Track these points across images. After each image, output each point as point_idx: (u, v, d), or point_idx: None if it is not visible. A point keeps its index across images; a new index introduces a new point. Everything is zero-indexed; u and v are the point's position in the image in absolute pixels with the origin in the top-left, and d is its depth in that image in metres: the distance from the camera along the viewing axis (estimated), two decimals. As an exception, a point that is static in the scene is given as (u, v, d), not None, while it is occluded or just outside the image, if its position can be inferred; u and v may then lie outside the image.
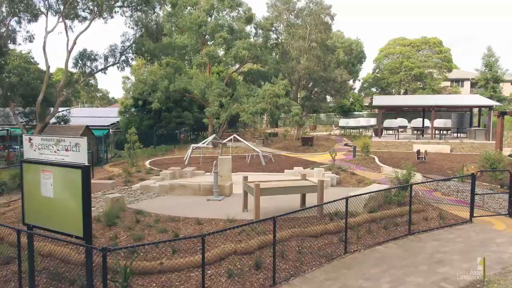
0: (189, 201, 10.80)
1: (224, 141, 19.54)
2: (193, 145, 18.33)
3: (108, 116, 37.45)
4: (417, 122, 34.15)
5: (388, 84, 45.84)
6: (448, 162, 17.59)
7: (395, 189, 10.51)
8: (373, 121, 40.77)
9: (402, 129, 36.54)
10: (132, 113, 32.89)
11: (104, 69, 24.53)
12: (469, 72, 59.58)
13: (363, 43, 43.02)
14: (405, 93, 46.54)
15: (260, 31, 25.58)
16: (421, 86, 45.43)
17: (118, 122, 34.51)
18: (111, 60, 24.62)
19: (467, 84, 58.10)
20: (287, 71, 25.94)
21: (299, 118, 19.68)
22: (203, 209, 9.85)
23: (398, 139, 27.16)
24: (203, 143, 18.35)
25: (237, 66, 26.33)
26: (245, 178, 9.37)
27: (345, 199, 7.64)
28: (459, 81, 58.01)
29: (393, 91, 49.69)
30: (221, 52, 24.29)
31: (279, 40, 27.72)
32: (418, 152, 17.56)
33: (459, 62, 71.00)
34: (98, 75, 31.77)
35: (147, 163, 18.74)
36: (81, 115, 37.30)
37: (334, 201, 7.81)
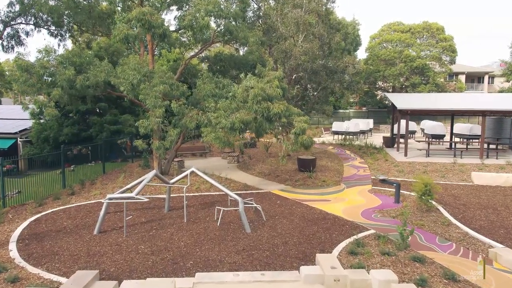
0: None
1: (173, 180, 10.58)
2: (109, 196, 9.24)
3: (21, 118, 27.06)
4: (433, 126, 26.44)
5: (384, 77, 38.25)
6: None
7: None
8: (371, 123, 33.10)
9: (409, 135, 29.14)
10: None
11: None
12: (463, 65, 53.68)
13: (360, 26, 34.92)
14: (402, 88, 39.26)
15: (234, -4, 16.55)
16: (422, 80, 38.24)
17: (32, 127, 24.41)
18: (-13, 33, 14.83)
19: (462, 78, 52.20)
20: (275, 58, 17.18)
21: (309, 139, 11.01)
22: None
23: (428, 156, 19.30)
24: (130, 189, 9.31)
25: (200, 48, 17.11)
26: None
27: None
28: (453, 75, 51.88)
29: (384, 85, 42.32)
30: (167, 18, 15.00)
31: (261, 12, 18.81)
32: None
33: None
34: None
35: (20, 229, 9.53)
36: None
37: None
